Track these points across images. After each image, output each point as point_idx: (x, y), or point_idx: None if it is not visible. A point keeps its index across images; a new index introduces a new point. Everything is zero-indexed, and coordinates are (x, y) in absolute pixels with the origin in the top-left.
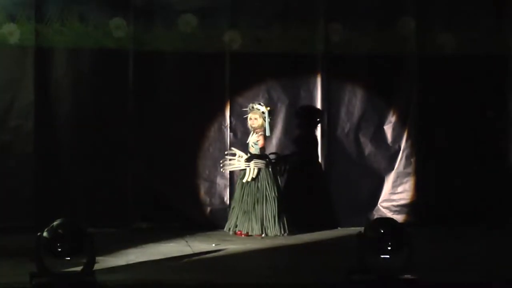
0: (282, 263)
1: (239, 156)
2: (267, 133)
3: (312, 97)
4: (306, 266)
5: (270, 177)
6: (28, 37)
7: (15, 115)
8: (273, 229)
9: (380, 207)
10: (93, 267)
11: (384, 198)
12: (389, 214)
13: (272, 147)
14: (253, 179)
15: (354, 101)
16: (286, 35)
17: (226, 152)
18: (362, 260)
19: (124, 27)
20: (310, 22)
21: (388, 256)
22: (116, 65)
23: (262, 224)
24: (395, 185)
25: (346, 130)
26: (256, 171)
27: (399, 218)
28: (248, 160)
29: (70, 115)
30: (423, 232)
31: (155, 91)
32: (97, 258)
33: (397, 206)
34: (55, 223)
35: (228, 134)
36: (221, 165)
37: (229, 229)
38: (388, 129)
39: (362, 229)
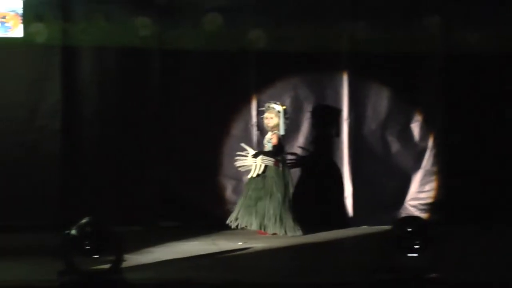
0: (308, 262)
1: (248, 153)
2: (281, 132)
3: (338, 96)
4: (331, 265)
5: (279, 176)
6: (55, 36)
7: (42, 114)
8: (272, 227)
9: (407, 206)
10: (120, 265)
11: (411, 197)
12: (416, 213)
13: (298, 146)
14: (258, 175)
15: (380, 100)
16: (311, 33)
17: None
18: (388, 259)
19: (150, 25)
20: (335, 21)
21: (415, 255)
22: (142, 63)
23: (261, 221)
24: (422, 183)
25: (372, 129)
26: (262, 167)
27: (426, 216)
28: (255, 156)
29: (96, 114)
30: (451, 231)
31: (180, 90)
32: (125, 256)
33: (424, 204)
34: (82, 221)
35: (254, 132)
36: (235, 162)
37: (231, 221)
38: (414, 127)
39: (388, 227)
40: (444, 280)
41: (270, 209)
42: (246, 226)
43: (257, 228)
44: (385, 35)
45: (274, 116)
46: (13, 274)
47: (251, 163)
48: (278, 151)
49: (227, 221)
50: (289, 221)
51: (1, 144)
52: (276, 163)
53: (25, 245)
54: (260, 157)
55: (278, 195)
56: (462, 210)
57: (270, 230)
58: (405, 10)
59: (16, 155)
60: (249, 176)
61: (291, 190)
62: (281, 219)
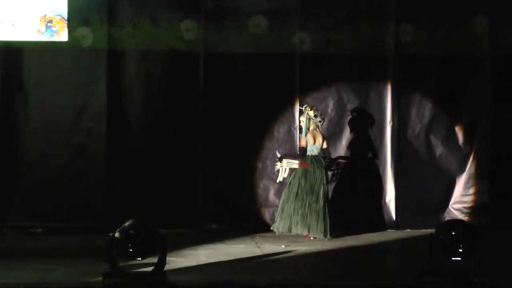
0: (352, 265)
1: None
2: (303, 133)
3: (382, 98)
4: (377, 268)
5: (306, 178)
6: (100, 40)
7: (87, 117)
8: (294, 228)
9: (451, 209)
10: (164, 268)
11: (456, 200)
12: (460, 216)
13: (341, 148)
14: (284, 178)
15: (425, 102)
16: (356, 36)
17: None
18: (433, 262)
19: (195, 29)
20: (380, 23)
21: (459, 259)
22: (187, 67)
23: (287, 223)
24: (466, 186)
25: (416, 131)
26: (287, 171)
27: (470, 220)
28: (280, 160)
29: (141, 117)
30: (496, 235)
31: (225, 93)
32: (168, 259)
33: (469, 208)
34: (126, 223)
35: (297, 135)
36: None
37: (275, 227)
38: (459, 130)
39: (431, 231)
40: (490, 284)
41: (294, 210)
42: (282, 232)
43: (283, 230)
44: (430, 38)
45: (304, 118)
46: (58, 275)
47: (279, 168)
48: (303, 153)
49: (272, 227)
50: (314, 223)
51: (48, 145)
52: (301, 165)
53: (71, 247)
54: (285, 161)
55: (303, 197)
56: (507, 214)
57: (293, 231)
58: (452, 11)
59: (63, 156)
60: (277, 181)
61: (322, 192)
62: (305, 221)
